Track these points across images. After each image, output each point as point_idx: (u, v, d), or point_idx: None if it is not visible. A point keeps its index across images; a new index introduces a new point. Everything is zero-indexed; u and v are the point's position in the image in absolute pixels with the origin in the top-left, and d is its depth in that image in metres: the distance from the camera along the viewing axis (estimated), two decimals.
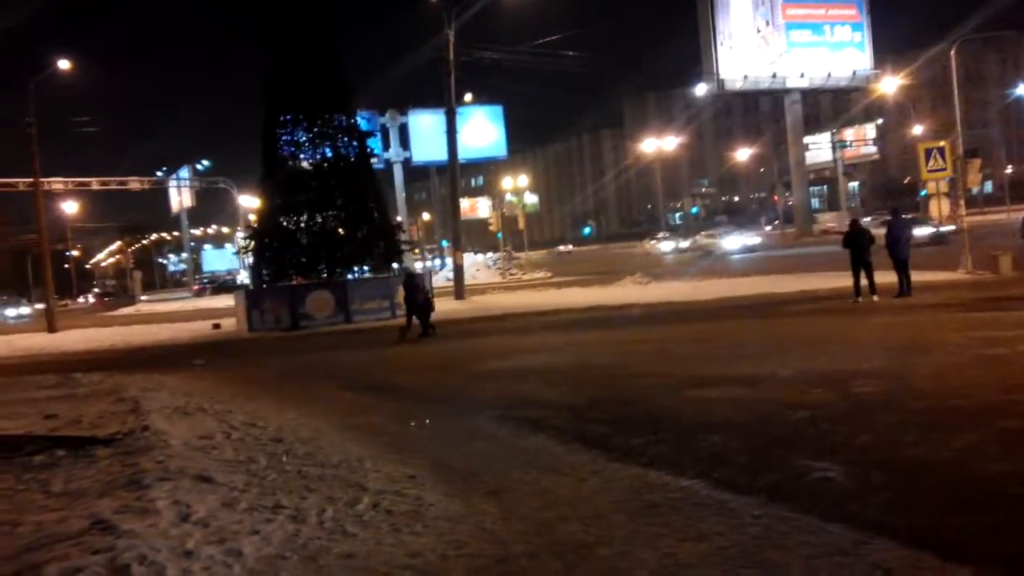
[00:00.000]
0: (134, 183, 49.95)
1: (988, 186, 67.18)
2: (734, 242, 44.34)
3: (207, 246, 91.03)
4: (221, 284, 56.29)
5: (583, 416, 6.74)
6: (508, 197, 73.74)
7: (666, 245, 55.58)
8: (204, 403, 8.43)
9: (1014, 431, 5.19)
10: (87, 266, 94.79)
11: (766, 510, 4.05)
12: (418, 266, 37.21)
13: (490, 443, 6.15)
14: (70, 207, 58.24)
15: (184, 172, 64.14)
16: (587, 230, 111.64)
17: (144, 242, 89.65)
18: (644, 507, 4.26)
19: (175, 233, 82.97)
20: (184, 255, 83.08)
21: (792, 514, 3.96)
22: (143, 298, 58.29)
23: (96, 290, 61.64)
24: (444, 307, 22.11)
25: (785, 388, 7.14)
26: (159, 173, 61.39)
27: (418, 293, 15.50)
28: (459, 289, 25.17)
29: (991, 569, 3.24)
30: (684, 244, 54.55)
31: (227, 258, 70.82)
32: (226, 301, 28.74)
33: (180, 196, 68.37)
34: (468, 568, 3.61)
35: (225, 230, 77.71)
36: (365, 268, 21.40)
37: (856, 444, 5.18)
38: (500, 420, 6.91)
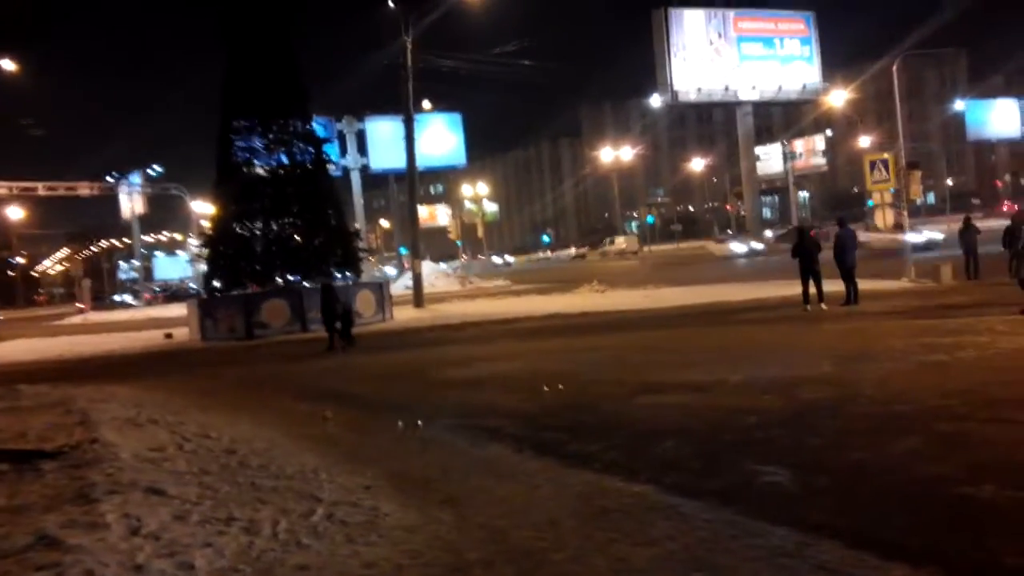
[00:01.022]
0: (83, 188, 48.63)
1: (931, 197, 69.50)
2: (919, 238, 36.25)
3: (159, 253, 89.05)
4: (173, 292, 55.05)
5: (538, 424, 6.80)
6: (467, 205, 73.70)
7: (736, 246, 50.67)
8: (156, 414, 8.27)
9: (952, 434, 5.40)
10: (33, 273, 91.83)
11: (715, 514, 4.15)
12: (377, 274, 36.90)
13: (446, 452, 6.17)
14: (15, 213, 56.41)
15: (135, 177, 62.63)
16: (546, 238, 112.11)
17: (94, 249, 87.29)
18: (597, 513, 4.33)
19: (126, 240, 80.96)
20: (135, 262, 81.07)
21: (740, 518, 4.07)
22: (134, 302, 56.07)
23: (83, 293, 59.03)
24: (403, 315, 22.04)
25: (735, 394, 7.31)
26: (109, 179, 59.85)
27: (336, 305, 15.39)
28: (418, 297, 25.09)
29: (930, 567, 3.37)
30: (757, 245, 49.82)
31: (180, 266, 69.33)
32: (178, 310, 28.17)
33: (131, 202, 66.66)
34: None
35: (178, 237, 76.15)
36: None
37: (803, 448, 5.34)
38: (457, 429, 6.93)
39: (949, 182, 73.12)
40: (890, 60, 29.25)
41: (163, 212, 72.52)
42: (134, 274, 79.09)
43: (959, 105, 64.34)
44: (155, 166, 55.05)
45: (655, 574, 3.51)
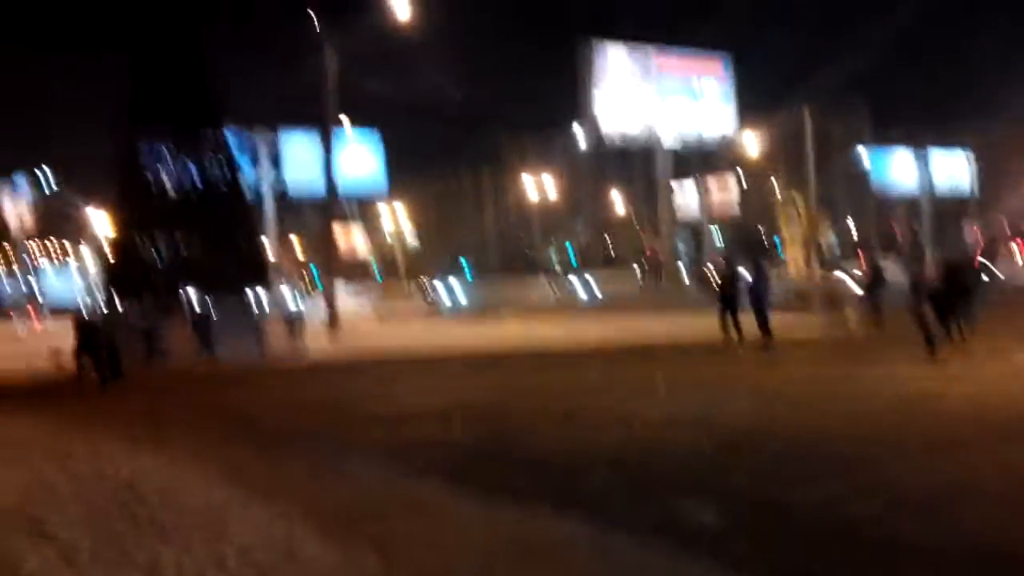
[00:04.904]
0: None
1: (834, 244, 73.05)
2: None
3: (45, 265, 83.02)
4: (62, 310, 51.42)
5: (463, 457, 6.62)
6: (385, 228, 72.54)
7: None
8: (41, 442, 7.59)
9: (870, 477, 5.53)
10: None
11: (642, 549, 4.16)
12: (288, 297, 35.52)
13: (365, 486, 5.90)
14: None
15: (20, 180, 58.12)
16: (463, 263, 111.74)
17: None
18: (526, 551, 4.27)
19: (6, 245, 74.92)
20: (19, 276, 75.36)
21: (667, 551, 4.10)
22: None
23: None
24: (315, 344, 21.25)
25: (657, 429, 7.33)
26: None
27: (96, 335, 14.28)
28: (332, 323, 24.33)
29: None
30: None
31: (71, 280, 64.90)
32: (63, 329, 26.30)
33: (14, 207, 61.45)
34: None
35: (68, 246, 71.39)
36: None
37: (726, 485, 5.39)
38: (378, 461, 6.64)
39: (852, 228, 77.04)
40: (799, 108, 30.84)
41: (54, 222, 67.67)
42: (21, 289, 73.63)
43: (862, 154, 68.05)
44: (43, 169, 50.86)
45: None
